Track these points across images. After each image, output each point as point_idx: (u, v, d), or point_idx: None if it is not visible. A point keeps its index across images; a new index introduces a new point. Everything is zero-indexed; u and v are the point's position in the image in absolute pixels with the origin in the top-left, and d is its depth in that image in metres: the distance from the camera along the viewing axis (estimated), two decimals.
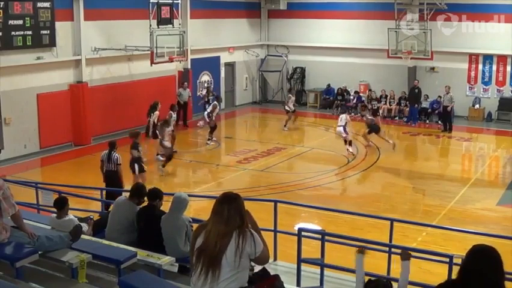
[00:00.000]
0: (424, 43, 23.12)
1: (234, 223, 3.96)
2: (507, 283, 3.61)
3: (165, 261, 6.14)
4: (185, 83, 21.92)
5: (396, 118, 23.99)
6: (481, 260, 3.33)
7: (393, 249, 8.69)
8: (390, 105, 24.42)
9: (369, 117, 18.81)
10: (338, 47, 25.74)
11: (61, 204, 7.40)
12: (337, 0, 25.77)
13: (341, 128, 17.85)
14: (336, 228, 10.89)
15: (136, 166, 13.24)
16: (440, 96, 23.15)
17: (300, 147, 19.37)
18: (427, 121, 23.75)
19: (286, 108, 22.06)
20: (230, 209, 3.98)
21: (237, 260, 3.92)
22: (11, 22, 16.35)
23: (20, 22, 16.65)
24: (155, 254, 6.27)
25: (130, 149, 13.32)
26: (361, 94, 25.33)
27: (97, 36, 19.40)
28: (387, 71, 24.80)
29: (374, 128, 18.65)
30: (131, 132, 14.01)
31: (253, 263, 4.18)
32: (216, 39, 24.76)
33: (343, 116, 18.20)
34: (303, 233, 8.10)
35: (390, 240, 8.85)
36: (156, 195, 7.11)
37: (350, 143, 18.08)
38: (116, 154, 11.95)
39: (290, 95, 22.80)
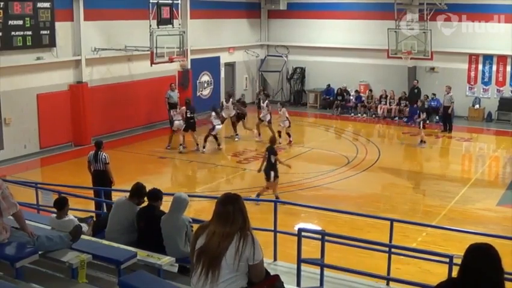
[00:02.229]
0: (424, 43, 23.11)
1: (237, 224, 3.97)
2: (507, 283, 3.60)
3: (165, 261, 6.14)
4: (173, 84, 21.39)
5: (396, 118, 23.98)
6: (479, 258, 3.32)
7: (393, 250, 8.70)
8: (390, 105, 24.41)
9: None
10: (338, 47, 25.74)
11: (61, 205, 7.41)
12: (337, 0, 25.78)
13: (220, 126, 18.54)
14: (336, 228, 10.89)
15: (272, 173, 13.15)
16: (434, 94, 23.20)
17: (300, 147, 19.35)
18: (427, 121, 23.70)
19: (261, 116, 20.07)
20: (234, 210, 3.99)
21: (236, 262, 3.92)
22: (11, 22, 16.35)
23: (20, 22, 16.64)
24: (155, 254, 6.27)
25: (268, 155, 13.21)
26: (361, 94, 25.35)
27: (96, 36, 19.40)
28: (387, 71, 24.79)
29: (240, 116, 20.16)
30: (271, 138, 14.45)
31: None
32: (216, 40, 24.75)
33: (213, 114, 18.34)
34: (303, 233, 8.09)
35: (390, 241, 8.85)
36: (156, 195, 7.11)
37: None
38: (104, 153, 11.99)
39: (260, 98, 20.91)
